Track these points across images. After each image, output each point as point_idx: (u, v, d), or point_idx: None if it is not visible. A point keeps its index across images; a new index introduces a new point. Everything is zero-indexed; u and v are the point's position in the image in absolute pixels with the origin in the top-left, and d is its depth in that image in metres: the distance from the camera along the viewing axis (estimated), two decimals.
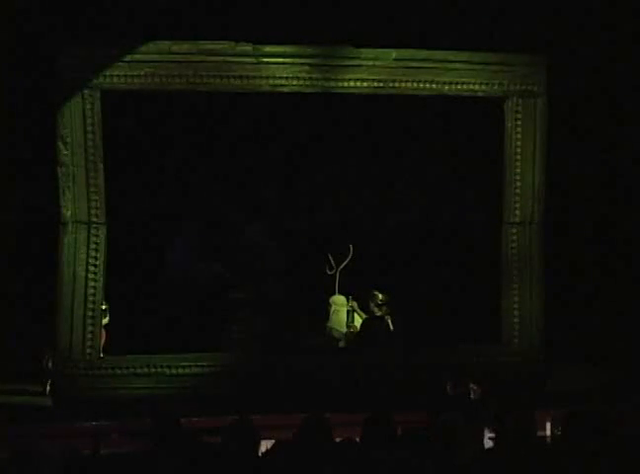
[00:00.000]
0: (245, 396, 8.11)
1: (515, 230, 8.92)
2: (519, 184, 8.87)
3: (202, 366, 8.44)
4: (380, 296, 9.29)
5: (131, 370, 8.36)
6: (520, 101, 8.82)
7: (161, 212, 9.47)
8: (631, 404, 8.02)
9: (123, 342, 8.60)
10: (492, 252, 8.99)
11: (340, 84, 8.60)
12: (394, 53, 8.62)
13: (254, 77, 8.45)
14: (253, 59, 8.43)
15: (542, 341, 8.93)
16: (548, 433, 7.26)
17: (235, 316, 9.13)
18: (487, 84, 8.77)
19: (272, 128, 9.44)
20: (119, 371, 8.36)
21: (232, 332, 9.06)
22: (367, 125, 9.53)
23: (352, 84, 8.60)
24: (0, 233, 9.16)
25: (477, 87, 8.76)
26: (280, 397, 8.18)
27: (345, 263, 9.56)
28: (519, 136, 8.83)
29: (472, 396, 7.46)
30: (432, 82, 8.68)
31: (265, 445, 5.44)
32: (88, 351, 8.33)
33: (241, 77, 8.43)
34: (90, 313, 8.33)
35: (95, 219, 8.33)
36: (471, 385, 7.45)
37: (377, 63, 8.59)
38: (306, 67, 8.52)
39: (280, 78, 8.48)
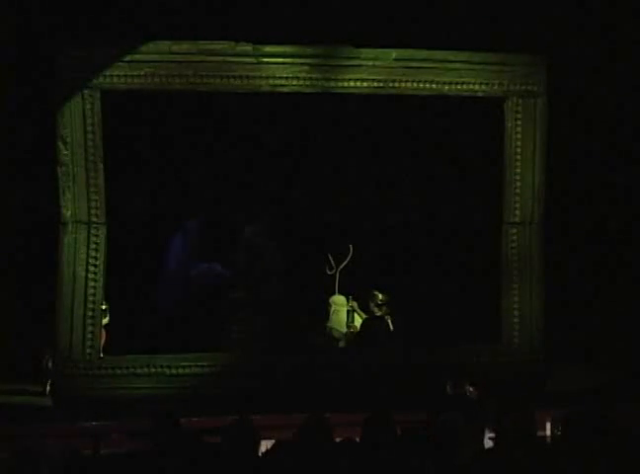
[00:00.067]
0: (245, 396, 8.10)
1: (515, 230, 8.91)
2: (518, 184, 8.87)
3: (202, 366, 8.44)
4: (380, 296, 9.30)
5: (131, 370, 8.36)
6: (520, 101, 8.82)
7: (161, 212, 9.47)
8: (631, 404, 8.02)
9: (123, 342, 8.60)
10: (492, 252, 8.98)
11: (340, 84, 8.60)
12: (394, 53, 8.62)
13: (254, 77, 8.45)
14: (253, 59, 8.43)
15: (542, 341, 8.92)
16: (548, 433, 7.26)
17: (235, 316, 9.12)
18: (487, 84, 8.77)
19: (272, 128, 9.44)
20: (119, 371, 8.35)
21: (232, 332, 9.05)
22: (367, 125, 9.52)
23: (352, 84, 8.60)
24: (0, 233, 9.15)
25: (477, 87, 8.76)
26: (280, 397, 8.17)
27: (345, 263, 9.55)
28: (519, 136, 8.83)
29: (469, 397, 7.46)
30: (432, 82, 8.68)
31: (265, 445, 5.45)
32: (88, 351, 8.33)
33: (241, 77, 8.43)
34: (90, 313, 8.33)
35: (95, 219, 8.33)
36: (467, 387, 7.44)
37: (377, 63, 8.59)
38: (306, 67, 8.52)
39: (280, 78, 8.48)
